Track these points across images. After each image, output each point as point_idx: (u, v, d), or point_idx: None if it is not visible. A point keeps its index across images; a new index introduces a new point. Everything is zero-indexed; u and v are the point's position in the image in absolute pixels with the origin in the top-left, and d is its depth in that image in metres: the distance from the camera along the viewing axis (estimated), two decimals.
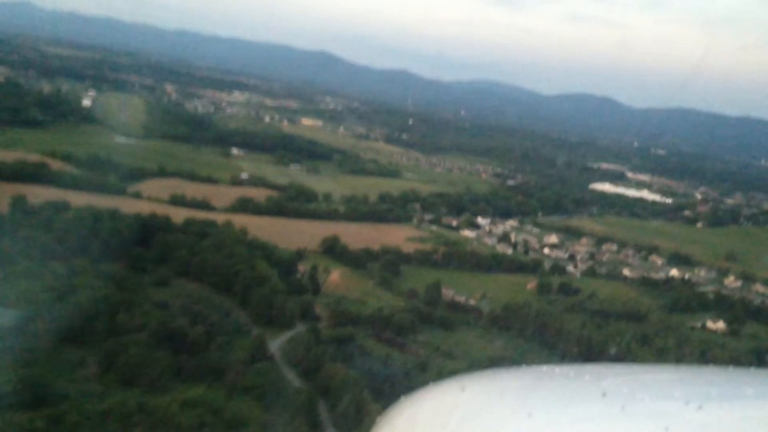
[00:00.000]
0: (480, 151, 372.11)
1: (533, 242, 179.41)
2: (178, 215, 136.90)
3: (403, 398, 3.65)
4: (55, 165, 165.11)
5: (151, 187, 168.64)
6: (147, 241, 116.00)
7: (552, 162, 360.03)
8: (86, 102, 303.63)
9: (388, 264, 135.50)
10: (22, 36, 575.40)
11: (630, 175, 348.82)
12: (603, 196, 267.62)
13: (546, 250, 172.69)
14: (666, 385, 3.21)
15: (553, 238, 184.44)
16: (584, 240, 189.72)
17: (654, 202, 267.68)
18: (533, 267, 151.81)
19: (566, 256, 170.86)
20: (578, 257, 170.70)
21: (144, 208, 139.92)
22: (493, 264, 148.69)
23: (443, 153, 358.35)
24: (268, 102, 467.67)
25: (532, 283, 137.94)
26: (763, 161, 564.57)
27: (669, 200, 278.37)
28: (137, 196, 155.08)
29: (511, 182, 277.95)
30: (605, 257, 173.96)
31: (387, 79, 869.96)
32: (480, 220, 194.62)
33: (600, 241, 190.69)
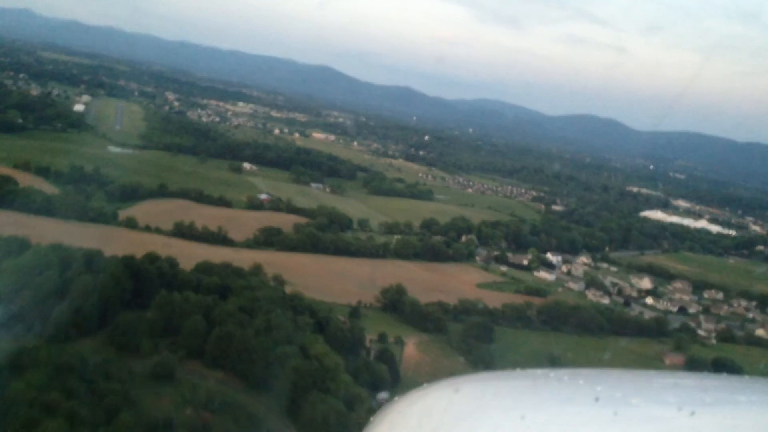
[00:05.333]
0: (506, 172, 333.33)
1: (626, 288, 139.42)
2: (186, 254, 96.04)
3: (396, 399, 3.45)
4: (25, 180, 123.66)
5: (149, 210, 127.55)
6: (141, 301, 75.03)
7: (585, 184, 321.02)
8: (78, 107, 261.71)
9: (475, 327, 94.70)
10: (19, 42, 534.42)
11: (673, 201, 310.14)
12: (661, 226, 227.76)
13: (649, 300, 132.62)
14: (659, 390, 3.20)
15: (646, 282, 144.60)
16: (678, 284, 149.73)
17: (720, 235, 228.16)
18: (656, 328, 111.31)
19: (675, 309, 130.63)
20: (691, 310, 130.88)
21: (139, 242, 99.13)
22: (602, 323, 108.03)
23: (466, 172, 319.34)
24: (274, 114, 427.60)
25: (673, 357, 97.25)
26: None
27: (732, 232, 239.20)
28: (131, 224, 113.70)
29: (556, 208, 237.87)
30: (722, 311, 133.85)
31: (390, 95, 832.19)
32: (550, 257, 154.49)
33: (696, 286, 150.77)
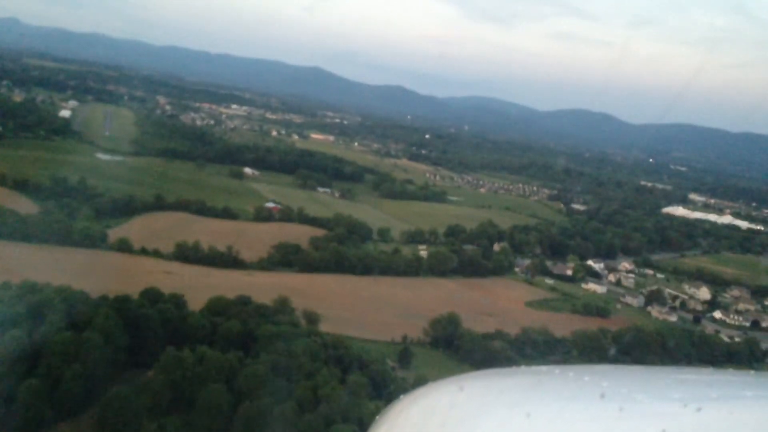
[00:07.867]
0: (513, 169, 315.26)
1: (687, 300, 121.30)
2: (193, 284, 76.93)
3: (401, 397, 3.39)
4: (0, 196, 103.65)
5: (144, 227, 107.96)
6: (141, 360, 55.77)
7: (596, 180, 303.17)
8: (64, 113, 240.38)
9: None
10: (5, 50, 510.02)
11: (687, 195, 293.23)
12: (688, 223, 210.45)
13: (717, 314, 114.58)
14: (665, 386, 3.09)
15: (704, 292, 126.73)
16: (735, 292, 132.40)
17: (750, 231, 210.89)
18: (747, 352, 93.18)
19: (748, 323, 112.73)
20: (764, 323, 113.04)
21: (134, 270, 79.80)
22: (687, 350, 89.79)
23: (473, 171, 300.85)
24: (269, 116, 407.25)
25: None
26: None
27: (760, 227, 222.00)
28: (124, 246, 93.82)
29: (578, 207, 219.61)
30: None
31: (382, 94, 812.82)
32: (593, 264, 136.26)
33: (753, 292, 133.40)
